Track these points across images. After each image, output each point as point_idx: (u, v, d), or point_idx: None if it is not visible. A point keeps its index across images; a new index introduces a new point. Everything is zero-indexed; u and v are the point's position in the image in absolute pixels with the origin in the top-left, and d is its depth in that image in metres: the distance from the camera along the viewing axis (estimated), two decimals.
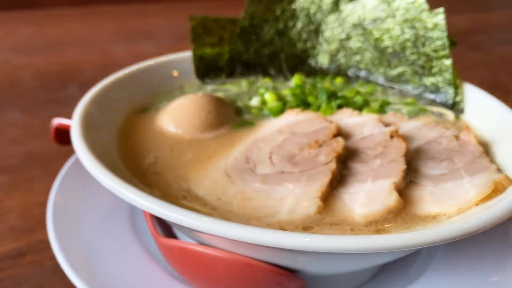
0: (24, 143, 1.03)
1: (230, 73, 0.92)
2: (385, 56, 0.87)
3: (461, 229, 0.46)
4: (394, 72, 0.87)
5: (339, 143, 0.62)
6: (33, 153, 0.99)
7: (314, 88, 0.85)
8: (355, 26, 0.90)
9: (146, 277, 0.60)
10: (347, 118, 0.72)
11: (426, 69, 0.83)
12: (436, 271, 0.63)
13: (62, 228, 0.65)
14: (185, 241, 0.55)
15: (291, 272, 0.51)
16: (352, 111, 0.74)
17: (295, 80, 0.88)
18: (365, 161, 0.61)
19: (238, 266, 0.50)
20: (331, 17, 0.91)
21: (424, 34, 0.81)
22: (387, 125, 0.69)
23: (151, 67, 0.85)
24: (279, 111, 0.76)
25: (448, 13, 0.83)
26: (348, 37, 0.90)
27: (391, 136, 0.64)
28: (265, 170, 0.59)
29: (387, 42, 0.86)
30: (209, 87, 0.88)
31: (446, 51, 0.80)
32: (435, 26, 0.80)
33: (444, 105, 0.82)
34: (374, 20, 0.88)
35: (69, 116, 0.67)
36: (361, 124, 0.69)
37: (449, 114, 0.80)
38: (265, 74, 0.93)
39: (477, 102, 0.79)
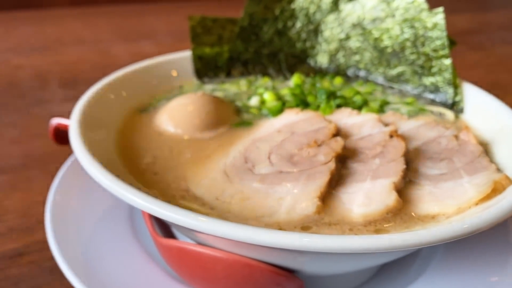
0: (23, 143, 1.03)
1: (229, 73, 0.92)
2: (384, 55, 0.87)
3: (460, 229, 0.45)
4: (394, 71, 0.87)
5: (338, 142, 0.62)
6: (32, 153, 0.99)
7: (313, 87, 0.85)
8: (354, 26, 0.89)
9: (144, 278, 0.60)
10: (346, 117, 0.72)
11: (426, 69, 0.83)
12: (435, 271, 0.63)
13: (60, 228, 0.65)
14: (183, 241, 0.54)
15: (289, 272, 0.51)
16: (351, 110, 0.73)
17: (295, 79, 0.88)
18: (364, 161, 0.61)
19: (237, 266, 0.50)
20: (331, 17, 0.91)
21: (423, 34, 0.81)
22: (386, 124, 0.69)
23: (150, 66, 0.85)
24: (278, 111, 0.76)
25: (448, 13, 0.83)
26: (348, 37, 0.90)
27: (391, 136, 0.64)
28: (264, 170, 0.59)
29: (386, 41, 0.86)
30: (208, 87, 0.88)
31: (446, 51, 0.80)
32: (435, 25, 0.80)
33: (444, 104, 0.82)
34: (374, 20, 0.88)
35: (68, 116, 0.67)
36: (360, 123, 0.69)
37: (449, 114, 0.80)
38: (264, 73, 0.93)
39: (477, 101, 0.79)
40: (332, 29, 0.91)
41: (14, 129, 1.09)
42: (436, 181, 0.58)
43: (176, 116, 0.71)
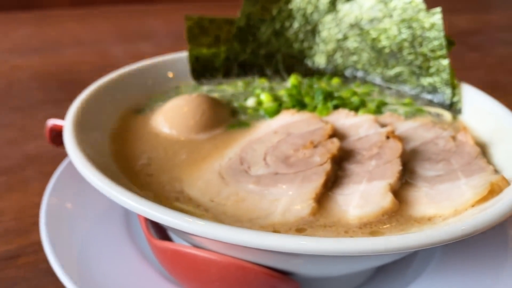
0: (21, 144, 1.03)
1: (226, 74, 0.92)
2: (382, 56, 0.86)
3: (456, 231, 0.45)
4: (391, 72, 0.86)
5: (334, 144, 0.61)
6: (29, 154, 0.99)
7: (310, 88, 0.85)
8: (352, 26, 0.89)
9: (139, 280, 0.60)
10: (343, 118, 0.71)
11: (424, 69, 0.82)
12: (433, 273, 0.62)
13: (55, 230, 0.64)
14: (178, 243, 0.54)
15: (284, 274, 0.51)
16: (348, 111, 0.73)
17: (292, 80, 0.88)
18: (361, 162, 0.60)
19: (231, 268, 0.50)
20: (328, 17, 0.91)
21: (421, 34, 0.81)
22: (383, 125, 0.68)
23: (146, 67, 0.84)
24: (275, 112, 0.75)
25: (447, 13, 0.82)
26: (345, 37, 0.90)
27: (387, 137, 0.64)
28: (259, 171, 0.59)
29: (384, 42, 0.85)
30: (205, 88, 0.87)
31: (444, 51, 0.79)
32: (432, 26, 0.79)
33: (442, 105, 0.82)
34: (371, 20, 0.87)
35: (65, 117, 0.66)
36: (357, 124, 0.69)
37: (447, 115, 0.79)
38: (262, 74, 0.92)
39: (475, 102, 0.79)
40: (329, 30, 0.91)
41: (12, 130, 1.09)
42: (433, 183, 0.58)
43: (172, 117, 0.70)
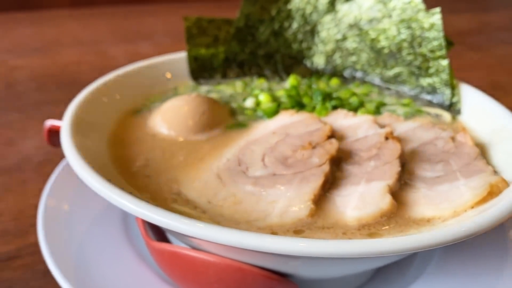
0: (19, 145, 1.02)
1: (225, 74, 0.91)
2: (381, 56, 0.86)
3: (455, 233, 0.45)
4: (391, 72, 0.86)
5: (333, 144, 0.61)
6: (27, 155, 0.98)
7: (309, 89, 0.84)
8: (351, 26, 0.89)
9: (137, 281, 0.59)
10: (341, 119, 0.71)
11: (423, 70, 0.82)
12: (433, 274, 0.62)
13: (52, 232, 0.64)
14: (175, 245, 0.54)
15: (282, 276, 0.50)
16: (347, 112, 0.73)
17: (291, 81, 0.87)
18: (359, 163, 0.60)
19: (229, 270, 0.50)
20: (327, 18, 0.90)
21: (420, 35, 0.80)
22: (382, 126, 0.68)
23: (144, 68, 0.84)
24: (273, 112, 0.75)
25: (447, 13, 0.82)
26: (344, 38, 0.89)
27: (386, 138, 0.63)
28: (257, 173, 0.59)
29: (383, 42, 0.85)
30: (204, 88, 0.87)
31: (443, 52, 0.79)
32: (432, 26, 0.79)
33: (441, 106, 0.81)
34: (370, 21, 0.87)
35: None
36: (356, 125, 0.68)
37: (446, 115, 0.79)
38: (260, 75, 0.92)
39: (474, 103, 0.78)
40: (328, 30, 0.91)
41: (10, 131, 1.09)
42: (432, 184, 0.58)
43: (170, 118, 0.70)
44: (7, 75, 1.41)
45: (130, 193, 0.49)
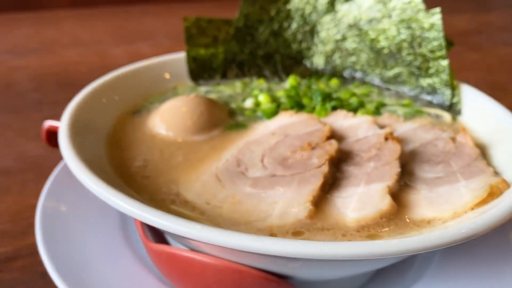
0: (18, 146, 1.02)
1: (224, 74, 0.91)
2: (381, 57, 0.86)
3: (455, 235, 0.44)
4: (390, 73, 0.86)
5: (332, 145, 0.61)
6: (26, 155, 0.98)
7: (309, 89, 0.84)
8: (350, 26, 0.88)
9: (135, 283, 0.59)
10: (341, 120, 0.71)
11: (423, 70, 0.82)
12: (433, 276, 0.62)
13: (51, 233, 0.64)
14: (174, 247, 0.54)
15: (281, 278, 0.50)
16: (346, 112, 0.73)
17: (290, 81, 0.87)
18: (359, 164, 0.60)
19: (227, 272, 0.49)
20: (327, 18, 0.90)
21: (420, 35, 0.80)
22: (382, 127, 0.68)
23: (143, 68, 0.84)
24: (273, 113, 0.75)
25: (448, 14, 0.81)
26: (344, 38, 0.89)
27: (386, 139, 0.63)
28: (257, 173, 0.58)
29: (383, 42, 0.85)
30: (203, 89, 0.87)
31: (443, 52, 0.78)
32: (432, 26, 0.79)
33: (441, 106, 0.81)
34: (370, 21, 0.87)
35: None
36: (356, 126, 0.68)
37: (446, 116, 0.78)
38: (260, 75, 0.92)
39: (475, 103, 0.78)
40: (328, 30, 0.90)
41: (9, 131, 1.08)
42: (432, 185, 0.57)
43: (168, 118, 0.70)
44: (6, 75, 1.40)
45: (128, 194, 0.49)
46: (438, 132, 0.68)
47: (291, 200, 0.53)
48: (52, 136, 0.75)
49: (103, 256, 0.62)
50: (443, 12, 0.78)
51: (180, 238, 0.52)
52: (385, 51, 0.85)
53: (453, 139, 0.67)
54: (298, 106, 0.78)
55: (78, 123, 0.63)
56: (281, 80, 0.91)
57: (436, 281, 0.61)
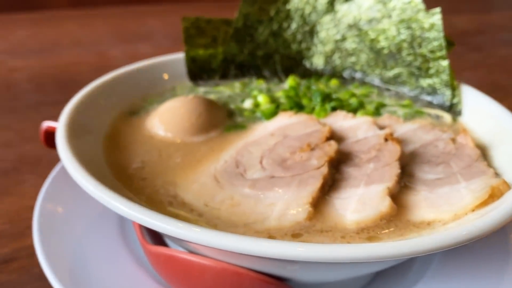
0: (17, 146, 1.02)
1: (224, 75, 0.91)
2: (381, 57, 0.85)
3: (456, 237, 0.44)
4: (390, 73, 0.85)
5: (332, 146, 0.60)
6: (25, 156, 0.98)
7: (308, 90, 0.84)
8: (350, 26, 0.88)
9: (133, 285, 0.58)
10: (341, 120, 0.70)
11: (423, 71, 0.81)
12: (433, 278, 0.61)
13: (48, 234, 0.63)
14: (172, 249, 0.53)
15: (280, 280, 0.50)
16: (346, 113, 0.72)
17: (290, 82, 0.87)
18: (359, 165, 0.59)
19: (226, 274, 0.49)
20: (326, 18, 0.90)
21: (420, 35, 0.80)
22: (382, 128, 0.67)
23: (142, 69, 0.83)
24: (272, 114, 0.74)
25: (448, 14, 0.81)
26: (344, 38, 0.89)
27: (386, 139, 0.62)
28: (255, 175, 0.58)
29: (383, 43, 0.84)
30: (202, 89, 0.86)
31: (443, 52, 0.78)
32: (432, 26, 0.78)
33: (441, 107, 0.80)
34: (370, 21, 0.86)
35: None
36: (355, 127, 0.68)
37: (446, 117, 0.78)
38: (259, 75, 0.91)
39: (475, 104, 0.78)
40: (327, 30, 0.90)
41: (8, 132, 1.08)
42: (432, 186, 0.57)
43: (167, 119, 0.69)
44: (5, 76, 1.40)
45: (126, 196, 0.48)
46: (438, 133, 0.68)
47: (290, 202, 0.52)
48: (50, 137, 0.74)
49: (100, 258, 0.62)
50: (443, 12, 0.78)
51: (179, 240, 0.52)
52: (385, 51, 0.84)
53: (454, 140, 0.66)
54: (297, 106, 0.77)
55: (75, 125, 0.62)
56: (281, 80, 0.91)
57: (436, 282, 0.60)
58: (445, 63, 0.79)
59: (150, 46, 1.71)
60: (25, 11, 2.03)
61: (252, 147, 0.64)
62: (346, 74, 0.91)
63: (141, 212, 0.45)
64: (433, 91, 0.81)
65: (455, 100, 0.79)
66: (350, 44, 0.88)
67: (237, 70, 0.91)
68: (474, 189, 0.54)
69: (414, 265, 0.65)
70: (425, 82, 0.81)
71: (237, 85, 0.88)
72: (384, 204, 0.51)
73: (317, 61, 0.92)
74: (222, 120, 0.73)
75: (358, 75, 0.89)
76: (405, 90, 0.84)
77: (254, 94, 0.81)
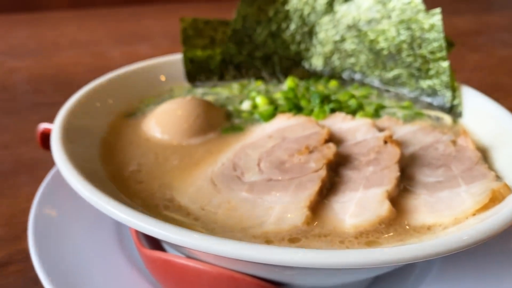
0: (13, 148, 1.01)
1: (222, 76, 0.90)
2: (380, 58, 0.84)
3: (456, 243, 0.43)
4: (390, 74, 0.84)
5: (331, 149, 0.59)
6: (21, 158, 0.97)
7: (307, 91, 0.83)
8: (349, 27, 0.87)
9: None
10: (340, 122, 0.70)
11: (423, 72, 0.80)
12: (435, 281, 0.60)
13: (43, 238, 0.63)
14: (168, 253, 0.52)
15: (277, 285, 0.49)
16: (345, 115, 0.71)
17: (288, 83, 0.86)
18: (358, 168, 0.59)
19: (222, 279, 0.48)
20: (325, 19, 0.89)
21: (420, 36, 0.79)
22: (381, 129, 0.66)
23: (139, 70, 0.83)
24: (270, 116, 0.74)
25: (447, 14, 0.80)
26: (343, 39, 0.88)
27: (385, 142, 0.62)
28: (253, 178, 0.57)
29: (382, 44, 0.83)
30: (199, 91, 0.86)
31: (443, 53, 0.77)
32: (432, 27, 0.77)
33: (442, 108, 0.80)
34: (369, 21, 0.85)
35: None
36: (354, 129, 0.67)
37: (447, 118, 0.77)
38: (258, 77, 0.91)
39: (476, 105, 0.77)
40: (327, 31, 0.89)
41: (5, 133, 1.07)
42: (432, 190, 0.56)
43: (164, 121, 0.68)
44: (3, 77, 1.39)
45: (121, 200, 0.48)
46: (439, 135, 0.67)
47: (288, 206, 0.51)
48: (46, 139, 0.73)
49: (96, 262, 0.61)
50: (443, 12, 0.77)
51: (175, 245, 0.51)
52: (385, 52, 0.83)
53: (454, 142, 0.65)
54: (296, 108, 0.77)
55: (71, 127, 0.62)
56: (279, 81, 0.90)
57: (437, 287, 0.60)
58: (445, 64, 0.78)
59: (148, 47, 1.70)
60: (24, 11, 2.02)
61: (250, 150, 0.63)
62: (345, 75, 0.90)
63: (136, 218, 0.44)
64: (433, 92, 0.80)
65: (455, 102, 0.79)
66: (349, 45, 0.87)
67: (236, 71, 0.90)
68: (475, 192, 0.54)
69: (415, 269, 0.64)
70: (425, 83, 0.81)
71: (235, 87, 0.87)
72: (383, 208, 0.50)
73: (316, 62, 0.91)
74: (220, 122, 0.72)
75: (357, 76, 0.88)
76: (405, 91, 0.84)
77: (252, 96, 0.80)
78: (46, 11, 2.11)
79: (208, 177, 0.58)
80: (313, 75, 0.91)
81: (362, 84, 0.88)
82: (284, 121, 0.69)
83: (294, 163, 0.59)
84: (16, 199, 0.83)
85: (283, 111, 0.75)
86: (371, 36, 0.84)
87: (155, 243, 0.61)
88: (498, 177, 0.58)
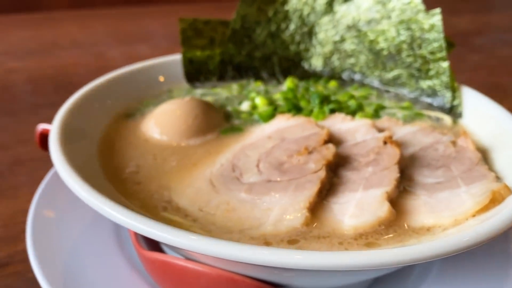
0: (12, 149, 1.01)
1: (221, 77, 0.90)
2: (380, 58, 0.84)
3: (456, 244, 0.43)
4: (390, 75, 0.84)
5: (330, 150, 0.59)
6: (20, 159, 0.97)
7: (306, 92, 0.83)
8: (349, 27, 0.87)
9: None
10: (339, 123, 0.69)
11: (423, 72, 0.80)
12: (434, 283, 0.60)
13: (42, 239, 0.62)
14: (167, 255, 0.52)
15: (275, 286, 0.49)
16: (344, 116, 0.71)
17: (288, 83, 0.86)
18: (357, 169, 0.58)
19: (221, 281, 0.48)
20: (325, 19, 0.89)
21: (420, 36, 0.79)
22: (381, 130, 0.66)
23: (138, 70, 0.83)
24: (269, 116, 0.73)
25: (447, 14, 0.80)
26: (342, 39, 0.88)
27: (385, 142, 0.61)
28: (252, 179, 0.57)
29: (382, 44, 0.83)
30: (199, 91, 0.85)
31: (443, 53, 0.77)
32: (432, 27, 0.77)
33: (442, 109, 0.79)
34: (369, 22, 0.85)
35: None
36: (354, 129, 0.67)
37: (447, 119, 0.77)
38: (257, 77, 0.90)
39: (476, 106, 0.77)
40: (326, 31, 0.89)
41: (4, 134, 1.07)
42: (432, 191, 0.56)
43: (162, 122, 0.68)
44: (3, 77, 1.39)
45: (119, 201, 0.47)
46: (438, 135, 0.67)
47: (287, 207, 0.51)
48: (45, 140, 0.73)
49: (95, 263, 0.61)
50: (443, 12, 0.77)
51: (174, 247, 0.51)
52: (385, 52, 0.83)
53: (454, 143, 0.65)
54: (295, 109, 0.76)
55: (69, 128, 0.61)
56: (279, 82, 0.90)
57: (437, 287, 0.59)
58: (445, 64, 0.78)
59: (148, 47, 1.70)
60: (24, 12, 2.02)
61: (249, 151, 0.63)
62: (345, 75, 0.90)
63: (134, 219, 0.44)
64: (433, 93, 0.80)
65: (455, 102, 0.78)
66: (349, 45, 0.87)
67: (235, 71, 0.90)
68: (475, 193, 0.53)
69: (414, 270, 0.64)
70: (425, 83, 0.80)
71: (234, 87, 0.87)
72: (383, 209, 0.50)
73: (316, 63, 0.91)
74: (219, 122, 0.72)
75: (357, 76, 0.88)
76: (404, 92, 0.83)
77: (252, 96, 0.80)
78: (46, 11, 2.11)
79: (207, 178, 0.58)
80: (313, 76, 0.91)
81: (362, 84, 0.88)
82: (283, 122, 0.69)
83: (293, 164, 0.58)
84: (15, 199, 0.83)
85: (282, 112, 0.75)
86: (371, 36, 0.84)
87: (154, 245, 0.61)
88: (498, 178, 0.58)
